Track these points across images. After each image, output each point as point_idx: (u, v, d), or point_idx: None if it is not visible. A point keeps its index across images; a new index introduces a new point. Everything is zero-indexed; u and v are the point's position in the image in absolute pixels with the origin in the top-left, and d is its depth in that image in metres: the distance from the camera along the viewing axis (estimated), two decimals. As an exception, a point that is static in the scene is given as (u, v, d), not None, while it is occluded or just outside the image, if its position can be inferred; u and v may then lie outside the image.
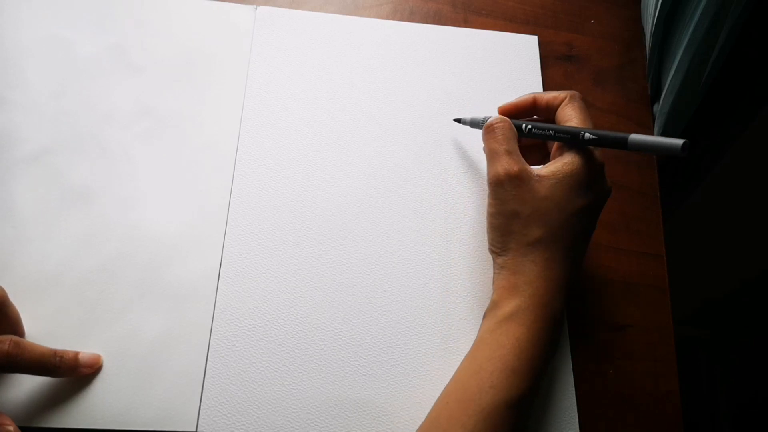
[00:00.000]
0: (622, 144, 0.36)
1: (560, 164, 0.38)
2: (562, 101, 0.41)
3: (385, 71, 0.51)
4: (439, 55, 0.52)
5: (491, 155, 0.40)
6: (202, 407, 0.39)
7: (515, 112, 0.44)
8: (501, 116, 0.42)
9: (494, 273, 0.40)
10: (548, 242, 0.38)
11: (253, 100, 0.48)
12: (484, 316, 0.39)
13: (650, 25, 0.52)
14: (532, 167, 0.39)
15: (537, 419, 0.40)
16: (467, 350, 0.39)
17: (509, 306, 0.37)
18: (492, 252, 0.40)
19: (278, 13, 0.52)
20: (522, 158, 0.40)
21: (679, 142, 0.33)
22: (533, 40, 0.54)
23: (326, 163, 0.47)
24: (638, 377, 0.43)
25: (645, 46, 0.55)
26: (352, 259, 0.44)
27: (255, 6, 0.52)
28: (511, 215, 0.38)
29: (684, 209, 0.62)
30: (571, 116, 0.40)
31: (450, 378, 0.38)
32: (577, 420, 0.41)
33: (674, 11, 0.50)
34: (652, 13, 0.51)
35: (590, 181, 0.38)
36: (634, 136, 0.36)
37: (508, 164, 0.39)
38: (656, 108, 0.53)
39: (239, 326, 0.41)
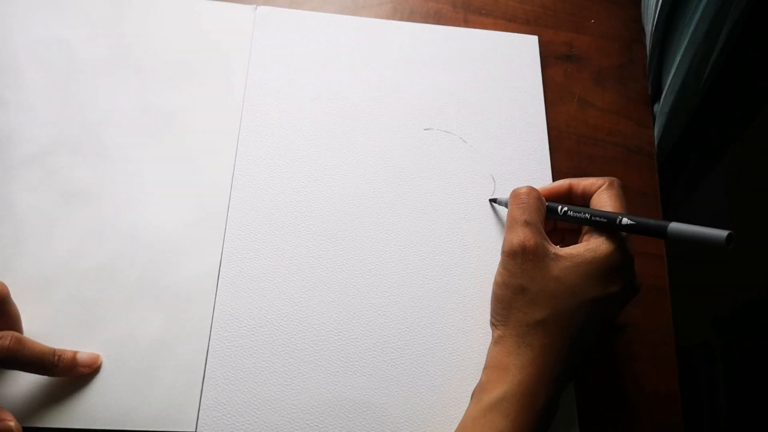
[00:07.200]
0: (662, 232, 0.33)
1: (582, 248, 0.36)
2: (600, 187, 0.39)
3: (385, 71, 0.51)
4: (439, 55, 0.52)
5: (510, 223, 0.39)
6: (201, 408, 0.39)
7: (549, 198, 0.41)
8: (532, 187, 0.40)
9: (489, 347, 0.38)
10: (550, 326, 0.35)
11: (253, 100, 0.48)
12: (472, 397, 0.37)
13: (650, 25, 0.52)
14: (553, 245, 0.37)
15: (537, 419, 0.40)
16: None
17: (496, 392, 0.35)
18: (492, 324, 0.39)
19: (278, 12, 0.52)
20: (542, 232, 0.38)
21: (724, 233, 0.31)
22: (533, 39, 0.54)
23: (326, 163, 0.47)
24: (638, 377, 0.43)
25: (645, 45, 0.55)
26: (351, 259, 0.44)
27: (255, 6, 0.52)
28: (517, 290, 0.36)
29: (684, 210, 0.62)
30: (605, 203, 0.38)
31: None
32: (577, 420, 0.41)
33: (675, 11, 0.50)
34: (653, 13, 0.51)
35: (613, 273, 0.36)
36: (675, 225, 0.33)
37: (525, 236, 0.37)
38: (656, 108, 0.53)
39: (239, 326, 0.41)
